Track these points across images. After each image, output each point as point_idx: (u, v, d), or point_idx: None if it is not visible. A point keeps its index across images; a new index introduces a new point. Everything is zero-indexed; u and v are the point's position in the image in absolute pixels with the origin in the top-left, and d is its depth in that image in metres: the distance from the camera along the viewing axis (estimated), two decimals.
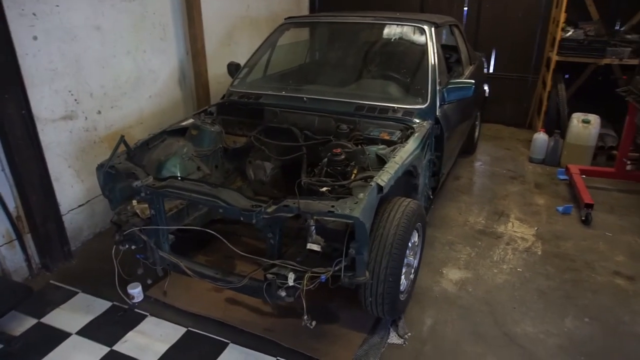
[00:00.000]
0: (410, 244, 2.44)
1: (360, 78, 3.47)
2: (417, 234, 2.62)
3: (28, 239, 2.98)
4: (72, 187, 3.26)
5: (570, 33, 4.87)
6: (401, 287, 2.42)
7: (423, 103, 2.95)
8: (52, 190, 3.01)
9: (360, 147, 2.56)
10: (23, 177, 2.82)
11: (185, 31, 4.09)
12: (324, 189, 2.26)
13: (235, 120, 3.30)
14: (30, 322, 2.60)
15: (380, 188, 2.13)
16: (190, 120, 3.12)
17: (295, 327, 2.51)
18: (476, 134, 5.14)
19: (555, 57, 4.77)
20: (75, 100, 3.18)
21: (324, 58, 3.90)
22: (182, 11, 4.01)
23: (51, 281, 2.97)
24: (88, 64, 3.22)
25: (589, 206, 3.66)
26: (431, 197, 3.19)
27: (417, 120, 2.86)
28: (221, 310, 2.66)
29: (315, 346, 2.39)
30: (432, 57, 3.14)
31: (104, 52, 3.34)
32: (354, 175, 2.38)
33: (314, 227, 2.12)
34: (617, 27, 5.32)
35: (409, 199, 2.46)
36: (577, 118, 4.64)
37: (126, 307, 2.70)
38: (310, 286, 2.04)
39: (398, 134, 2.75)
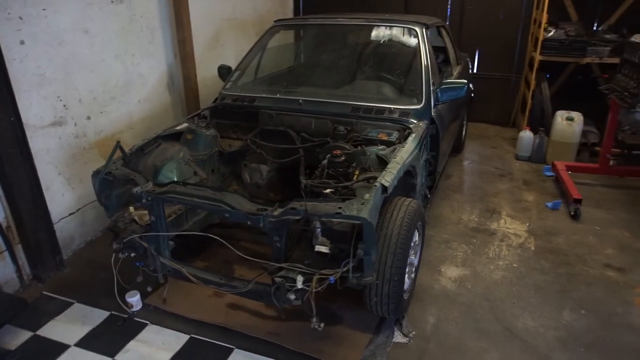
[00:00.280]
0: (412, 243, 2.46)
1: (354, 79, 3.49)
2: (417, 233, 2.64)
3: (18, 249, 2.89)
4: (63, 195, 3.17)
5: (552, 33, 5.00)
6: (404, 286, 2.44)
7: (418, 103, 2.99)
8: (43, 199, 2.93)
9: (360, 148, 2.57)
10: (13, 186, 2.73)
11: (173, 34, 4.04)
12: (328, 190, 2.26)
13: (230, 124, 3.27)
14: (26, 335, 2.52)
15: (384, 188, 2.14)
16: (185, 125, 3.07)
17: (299, 329, 2.51)
18: (463, 133, 5.22)
19: (538, 57, 4.89)
20: (64, 105, 3.10)
21: (316, 60, 3.90)
22: (169, 14, 3.95)
23: (44, 292, 2.89)
24: (76, 69, 3.15)
25: (578, 201, 3.75)
26: (428, 196, 3.23)
27: (414, 121, 2.89)
28: (223, 315, 2.63)
29: (322, 348, 2.38)
30: (425, 58, 3.18)
31: (92, 56, 3.27)
32: (355, 176, 2.39)
33: (319, 229, 2.12)
34: (595, 28, 5.50)
35: (410, 199, 2.48)
36: (561, 116, 4.76)
37: (125, 316, 2.65)
38: (319, 288, 2.03)
39: (396, 134, 2.77)
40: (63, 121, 3.10)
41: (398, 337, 2.50)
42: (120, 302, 2.64)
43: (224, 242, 2.27)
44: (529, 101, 5.18)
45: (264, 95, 3.30)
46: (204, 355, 2.38)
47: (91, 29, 3.23)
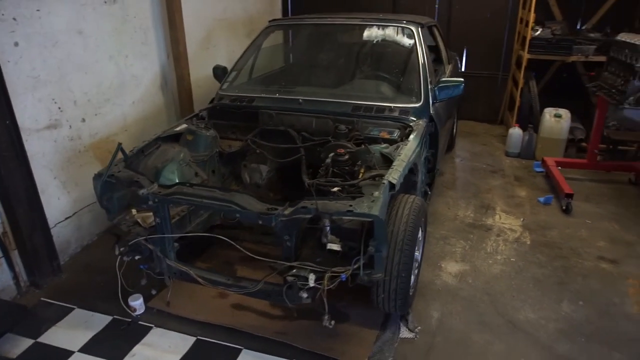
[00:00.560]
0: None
1: (353, 79, 3.51)
2: (420, 230, 2.67)
3: (15, 255, 2.83)
4: (59, 199, 3.11)
5: (538, 32, 5.11)
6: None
7: (417, 102, 3.03)
8: (40, 203, 2.87)
9: (364, 146, 2.59)
10: (9, 191, 2.67)
11: (166, 35, 4.00)
12: (335, 189, 2.27)
13: (228, 124, 3.26)
14: (27, 342, 2.47)
15: (392, 186, 2.17)
16: (184, 126, 3.05)
17: (307, 328, 2.52)
18: (454, 130, 5.29)
19: (526, 55, 4.99)
20: (59, 108, 3.04)
21: (314, 60, 3.90)
22: (162, 14, 3.91)
23: (42, 298, 2.83)
24: (71, 70, 3.09)
25: (569, 196, 3.85)
26: (429, 192, 3.27)
27: (414, 119, 2.92)
28: (229, 316, 2.62)
29: (331, 346, 2.39)
30: (422, 57, 3.22)
31: (86, 57, 3.21)
32: (361, 174, 2.41)
33: (329, 227, 2.13)
34: (578, 27, 5.64)
35: (414, 196, 2.52)
36: (549, 113, 4.87)
37: (129, 320, 2.61)
38: (331, 286, 2.05)
39: (397, 132, 2.80)
40: (58, 124, 3.05)
41: (404, 333, 2.53)
42: (124, 306, 2.60)
43: (232, 242, 2.26)
44: (518, 99, 5.28)
45: (263, 95, 3.30)
46: (213, 357, 2.36)
47: (85, 30, 3.17)
